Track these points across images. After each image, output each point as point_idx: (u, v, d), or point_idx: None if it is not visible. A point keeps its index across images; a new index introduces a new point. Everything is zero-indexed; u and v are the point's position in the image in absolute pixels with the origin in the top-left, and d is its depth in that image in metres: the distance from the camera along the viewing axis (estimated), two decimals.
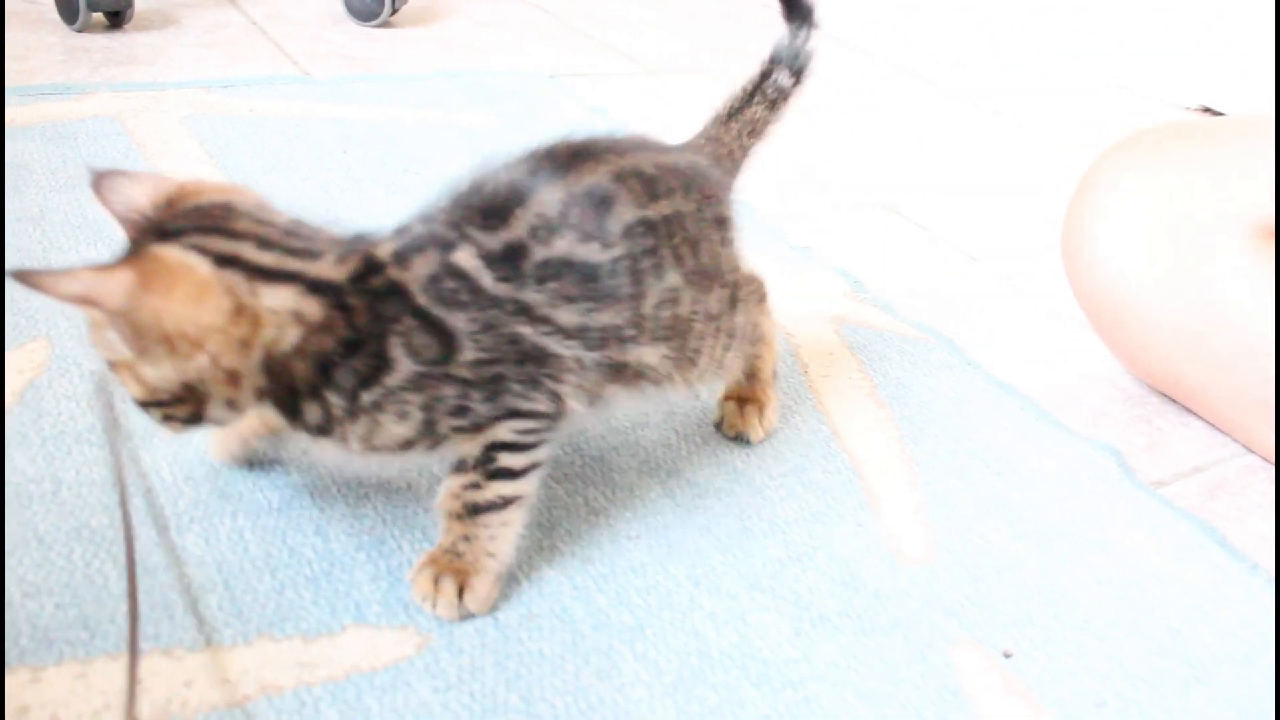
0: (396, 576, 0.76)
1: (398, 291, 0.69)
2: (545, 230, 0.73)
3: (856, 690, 0.73)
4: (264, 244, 0.68)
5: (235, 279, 0.65)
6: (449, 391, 0.70)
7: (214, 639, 0.70)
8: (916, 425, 1.02)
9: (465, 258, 0.71)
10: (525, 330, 0.72)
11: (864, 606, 0.80)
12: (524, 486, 0.75)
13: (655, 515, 0.86)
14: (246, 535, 0.78)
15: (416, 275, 0.70)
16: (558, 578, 0.79)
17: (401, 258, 0.71)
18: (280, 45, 1.83)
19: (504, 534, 0.75)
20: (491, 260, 0.71)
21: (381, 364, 0.69)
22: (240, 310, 0.65)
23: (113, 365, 0.67)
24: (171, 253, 0.65)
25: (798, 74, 0.98)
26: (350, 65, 1.78)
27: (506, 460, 0.74)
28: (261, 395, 0.69)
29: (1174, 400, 1.10)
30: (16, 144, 1.32)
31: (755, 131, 0.97)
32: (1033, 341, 1.21)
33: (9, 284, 0.99)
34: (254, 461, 0.84)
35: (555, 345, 0.73)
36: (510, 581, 0.77)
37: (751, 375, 0.96)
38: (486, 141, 1.51)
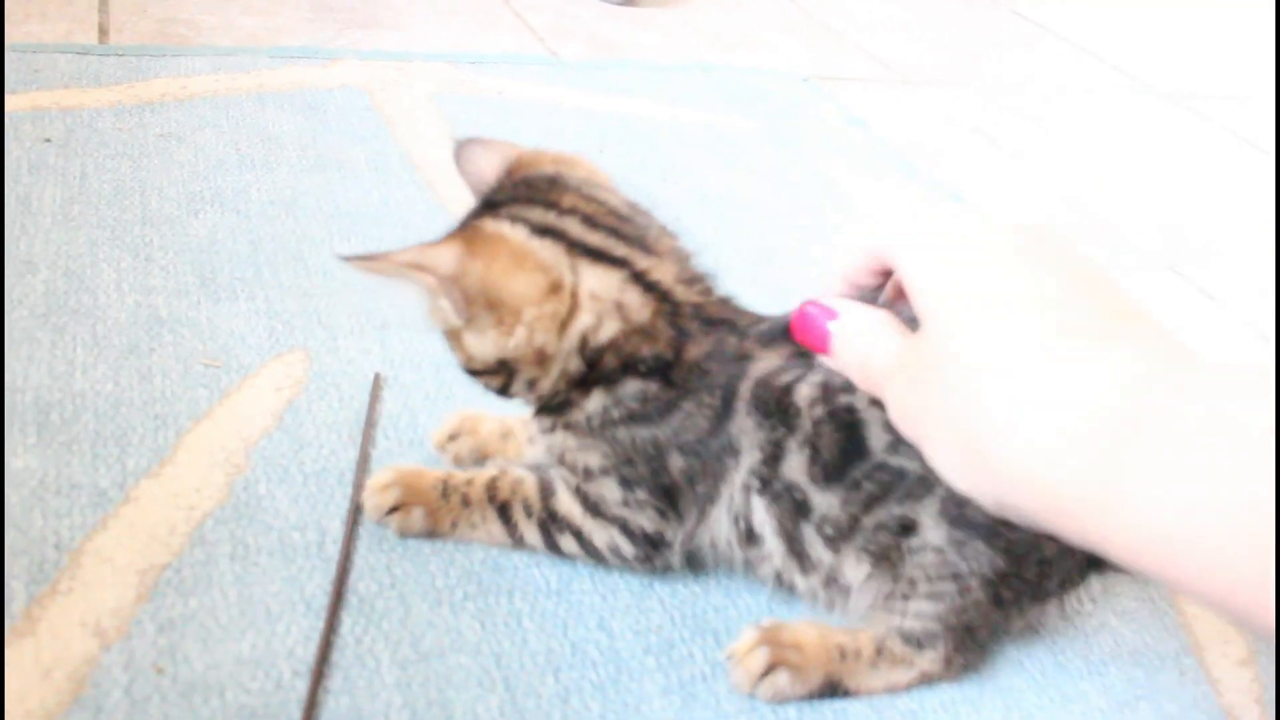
0: (690, 692, 0.68)
1: (739, 361, 0.66)
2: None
3: None
4: (589, 222, 0.65)
5: (555, 252, 0.64)
6: (643, 470, 0.67)
7: None
8: None
9: (806, 389, 0.65)
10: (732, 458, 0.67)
11: None
12: (539, 548, 0.73)
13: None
14: (525, 622, 0.70)
15: (760, 368, 0.65)
16: (865, 712, 0.70)
17: (764, 339, 0.67)
18: (524, 18, 1.76)
19: (469, 533, 0.74)
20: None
21: (668, 409, 0.66)
22: (557, 286, 0.64)
23: (445, 334, 0.68)
24: (491, 223, 0.65)
25: None
26: (597, 47, 1.69)
27: (566, 541, 0.72)
28: (564, 385, 0.67)
29: None
30: (269, 112, 1.27)
31: None
32: None
33: (268, 290, 0.93)
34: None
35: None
36: (813, 710, 0.69)
37: None
38: (747, 151, 1.41)
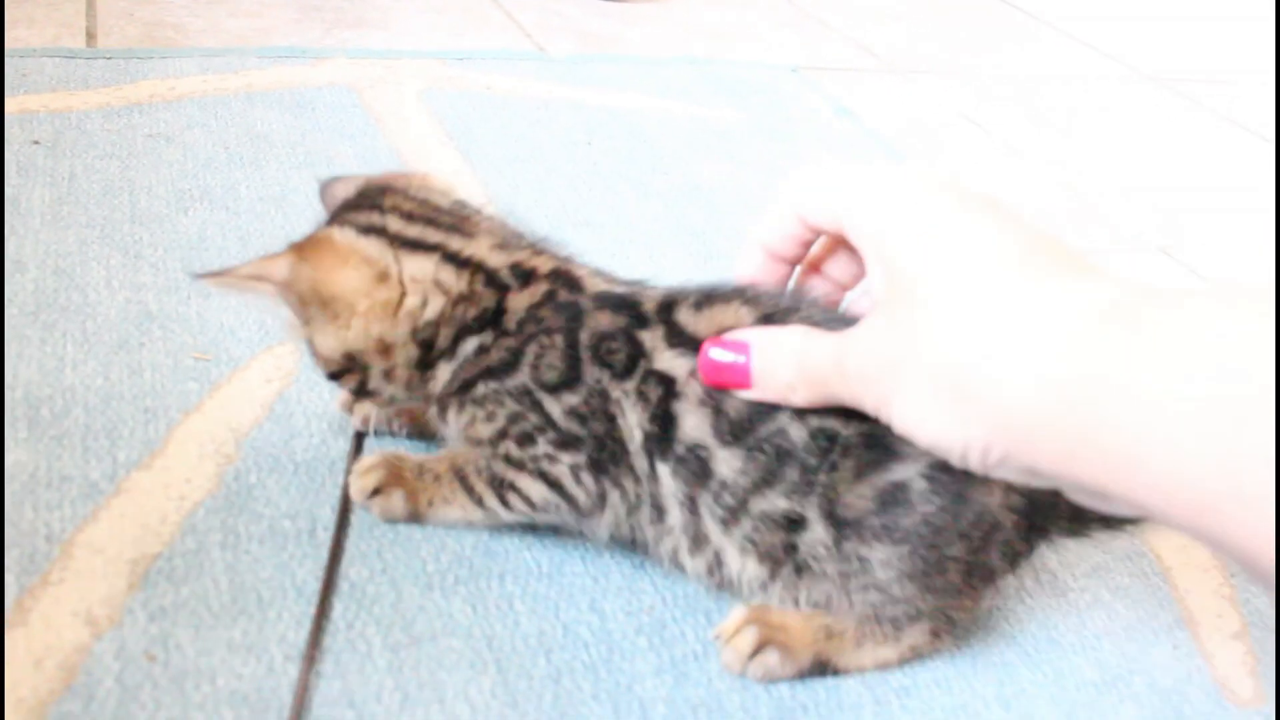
0: (682, 671, 0.68)
1: (573, 314, 0.69)
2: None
3: None
4: (409, 218, 0.72)
5: (379, 246, 0.70)
6: (532, 419, 0.69)
7: None
8: None
9: (648, 337, 0.68)
10: (629, 420, 0.68)
11: None
12: (498, 510, 0.73)
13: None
14: (517, 605, 0.70)
15: (597, 322, 0.69)
16: (857, 688, 0.70)
17: (602, 299, 0.70)
18: (512, 15, 1.76)
19: (444, 509, 0.75)
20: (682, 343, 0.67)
21: (513, 357, 0.70)
22: (384, 275, 0.69)
23: (306, 344, 0.73)
24: (322, 231, 0.72)
25: None
26: (585, 43, 1.69)
27: (512, 497, 0.72)
28: (415, 370, 0.72)
29: None
30: (257, 111, 1.27)
31: None
32: None
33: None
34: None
35: (637, 451, 0.68)
36: (805, 688, 0.69)
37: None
38: (736, 142, 1.42)
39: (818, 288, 0.70)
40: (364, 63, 1.45)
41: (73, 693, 0.60)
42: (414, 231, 0.71)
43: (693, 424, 0.66)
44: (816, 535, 0.66)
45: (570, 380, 0.68)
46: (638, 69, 1.59)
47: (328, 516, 0.74)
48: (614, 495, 0.70)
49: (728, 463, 0.66)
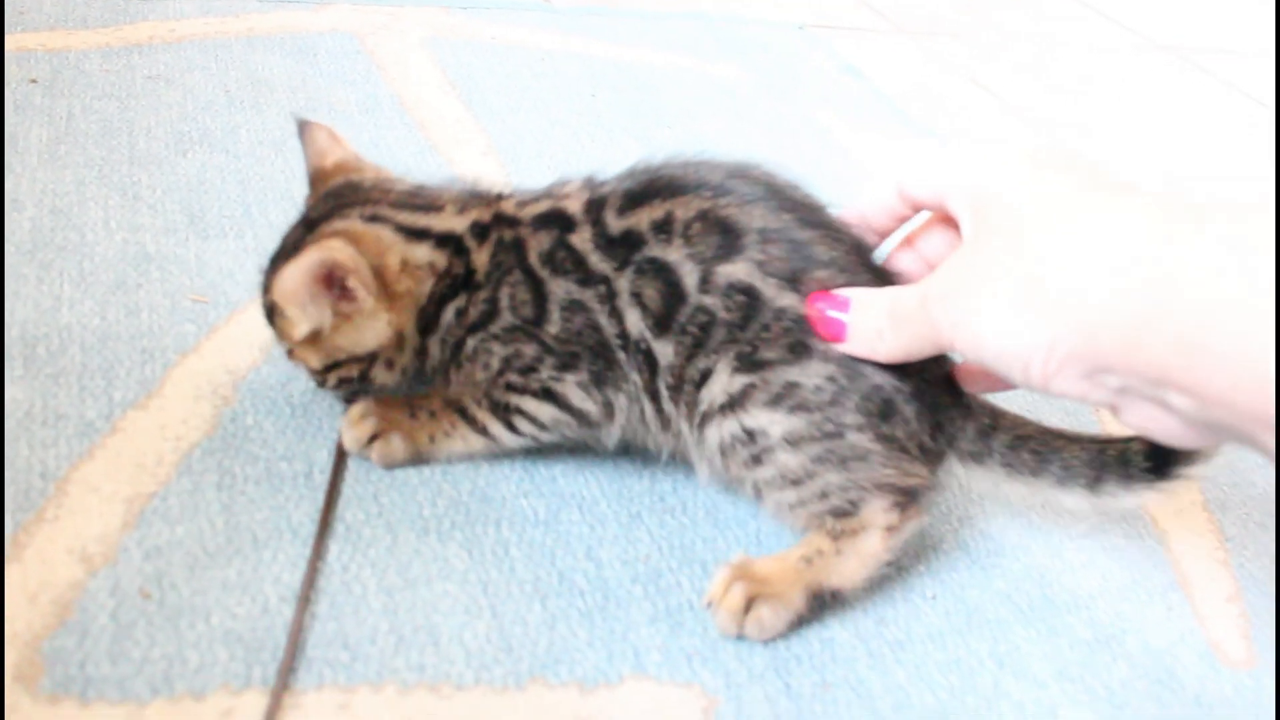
0: (677, 620, 0.68)
1: (519, 248, 0.71)
2: (670, 226, 0.69)
3: None
4: (398, 206, 0.74)
5: (393, 236, 0.72)
6: (528, 351, 0.71)
7: (484, 678, 0.62)
8: (1222, 490, 0.90)
9: (578, 240, 0.70)
10: (604, 323, 0.70)
11: (1185, 714, 0.70)
12: (505, 436, 0.75)
13: (951, 572, 0.76)
14: (513, 551, 0.70)
15: (539, 243, 0.71)
16: (851, 641, 0.69)
17: (535, 222, 0.72)
18: None
19: (446, 444, 0.75)
20: (608, 244, 0.70)
21: (490, 308, 0.71)
22: (405, 264, 0.72)
23: (299, 348, 0.73)
24: (341, 224, 0.72)
25: None
26: None
27: (518, 420, 0.74)
28: (416, 355, 0.75)
29: None
30: (258, 56, 1.26)
31: None
32: None
33: (257, 228, 0.93)
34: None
35: (620, 353, 0.71)
36: (800, 639, 0.69)
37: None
38: (742, 98, 1.40)
39: (906, 260, 0.72)
40: (367, 9, 1.44)
41: (67, 628, 0.60)
42: (404, 218, 0.73)
43: (632, 321, 0.69)
44: (719, 383, 0.68)
45: (543, 305, 0.70)
46: (644, 23, 1.57)
47: (324, 459, 0.74)
48: (620, 400, 0.72)
49: (664, 349, 0.69)
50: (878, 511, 0.69)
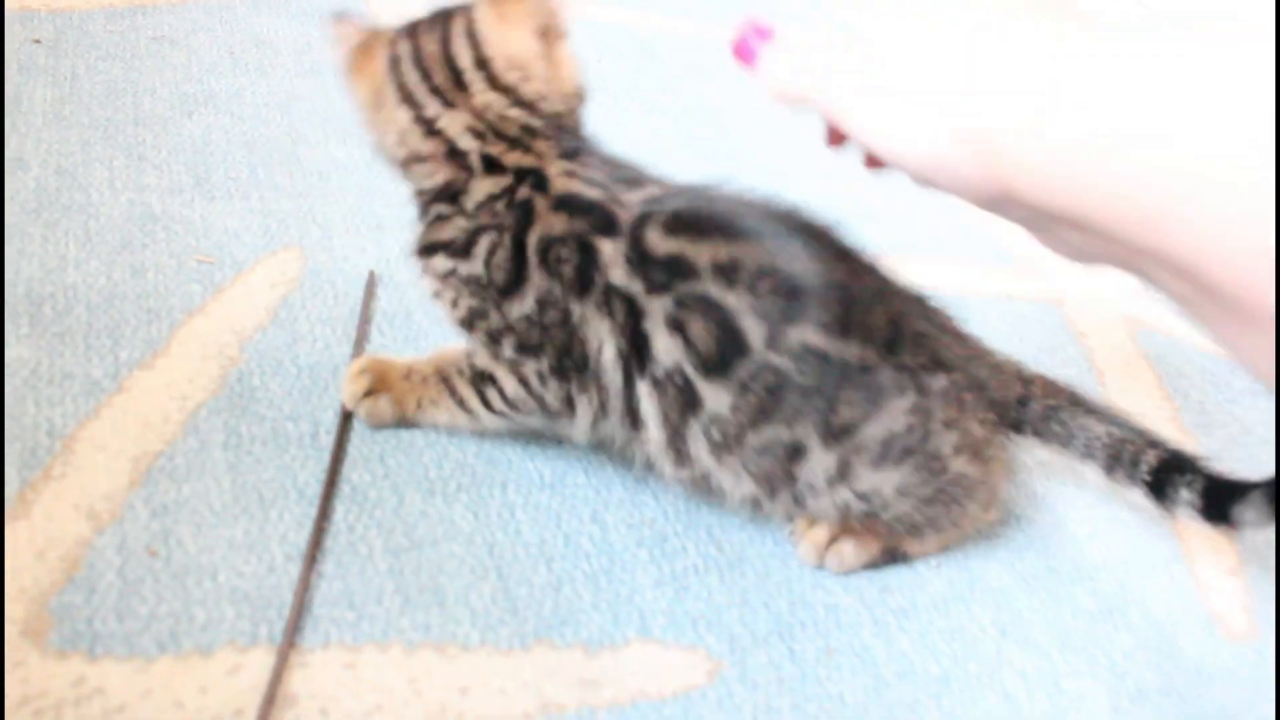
0: (683, 584, 0.68)
1: (524, 213, 0.67)
2: (735, 274, 0.64)
3: None
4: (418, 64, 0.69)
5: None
6: (494, 317, 0.68)
7: (490, 639, 0.63)
8: (1225, 465, 0.90)
9: (608, 248, 0.66)
10: (589, 333, 0.67)
11: (1186, 685, 0.70)
12: (481, 412, 0.73)
13: (955, 541, 0.76)
14: (518, 514, 0.70)
15: (549, 225, 0.67)
16: (855, 607, 0.70)
17: (564, 202, 0.67)
18: None
19: (432, 411, 0.74)
20: (641, 261, 0.65)
21: (468, 241, 0.68)
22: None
23: None
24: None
25: None
26: None
27: (491, 393, 0.72)
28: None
29: None
30: (263, 18, 1.25)
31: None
32: None
33: (263, 190, 0.93)
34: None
35: (609, 364, 0.67)
36: (805, 605, 0.69)
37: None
38: None
39: None
40: None
41: (75, 584, 0.60)
42: (412, 80, 0.69)
43: (664, 347, 0.65)
44: (817, 461, 0.66)
45: (518, 285, 0.67)
46: None
47: (330, 420, 0.73)
48: (582, 400, 0.69)
49: (716, 398, 0.65)
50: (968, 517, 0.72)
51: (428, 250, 0.70)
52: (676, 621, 0.66)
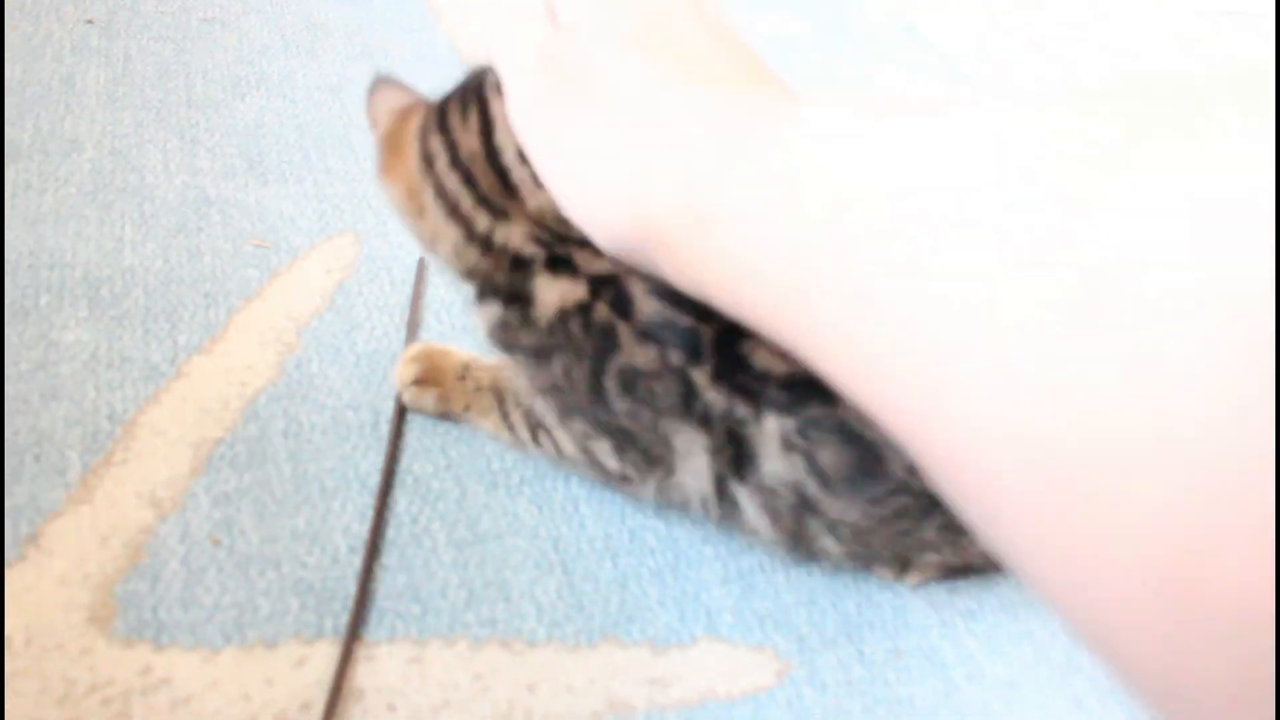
0: (749, 582, 0.67)
1: (606, 341, 0.57)
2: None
3: None
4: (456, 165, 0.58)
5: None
6: (570, 400, 0.61)
7: (556, 635, 0.62)
8: None
9: (700, 374, 0.56)
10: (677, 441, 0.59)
11: None
12: (529, 445, 0.68)
13: None
14: (582, 508, 0.69)
15: (631, 357, 0.57)
16: (924, 609, 0.68)
17: (650, 332, 0.56)
18: None
19: (477, 419, 0.71)
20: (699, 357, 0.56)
21: (543, 358, 0.60)
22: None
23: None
24: None
25: None
26: None
27: (544, 438, 0.66)
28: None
29: None
30: (313, 1, 1.24)
31: None
32: None
33: (316, 174, 0.92)
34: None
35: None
36: (873, 606, 0.68)
37: None
38: (794, 53, 1.38)
39: None
40: None
41: (139, 571, 0.60)
42: (452, 185, 0.58)
43: (776, 465, 0.58)
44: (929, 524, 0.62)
45: (598, 396, 0.59)
46: None
47: (390, 410, 0.73)
48: (657, 472, 0.63)
49: (841, 508, 0.59)
50: None
51: (494, 338, 0.62)
52: (744, 620, 0.65)
